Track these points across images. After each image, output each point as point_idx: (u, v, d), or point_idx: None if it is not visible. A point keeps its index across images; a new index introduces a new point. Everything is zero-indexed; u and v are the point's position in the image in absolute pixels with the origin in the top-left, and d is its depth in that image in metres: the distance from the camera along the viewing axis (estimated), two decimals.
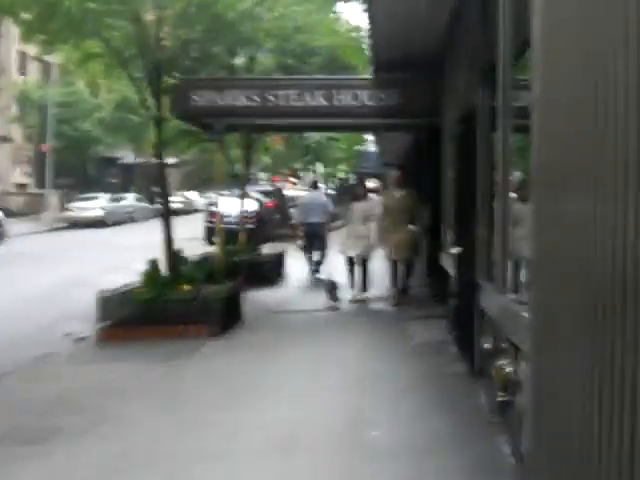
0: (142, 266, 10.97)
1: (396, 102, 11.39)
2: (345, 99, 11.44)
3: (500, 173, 5.66)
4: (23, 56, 44.31)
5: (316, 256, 16.26)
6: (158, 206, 46.56)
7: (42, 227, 36.40)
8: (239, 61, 14.68)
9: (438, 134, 11.27)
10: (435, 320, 10.50)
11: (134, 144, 45.46)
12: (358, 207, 13.14)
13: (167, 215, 11.26)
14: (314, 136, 25.32)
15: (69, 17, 9.09)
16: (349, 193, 14.44)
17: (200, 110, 11.65)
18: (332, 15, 16.78)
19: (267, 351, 9.18)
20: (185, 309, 10.21)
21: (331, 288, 12.49)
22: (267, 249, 17.55)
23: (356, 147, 39.33)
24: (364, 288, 12.92)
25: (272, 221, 28.06)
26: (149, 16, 10.29)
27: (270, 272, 15.53)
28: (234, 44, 13.20)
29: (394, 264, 12.66)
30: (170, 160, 53.49)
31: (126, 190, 47.57)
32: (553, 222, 3.29)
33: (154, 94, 10.68)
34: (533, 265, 3.93)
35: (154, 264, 10.73)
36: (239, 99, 11.52)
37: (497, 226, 5.90)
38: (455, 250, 8.09)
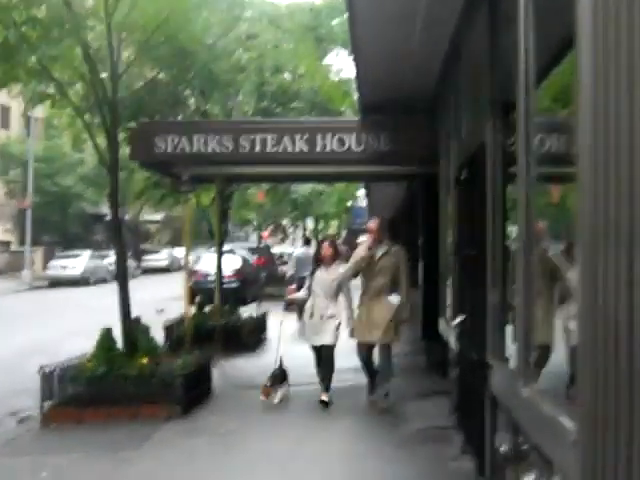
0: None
1: (386, 147, 10.06)
2: (329, 144, 10.11)
3: (523, 225, 4.26)
4: (5, 110, 43.28)
5: None
6: (145, 263, 46.10)
7: (20, 286, 35.13)
8: (214, 108, 13.42)
9: (434, 183, 9.91)
10: (434, 398, 9.03)
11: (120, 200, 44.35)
12: (324, 276, 9.48)
13: (123, 277, 9.83)
14: (301, 190, 23.99)
15: (4, 46, 7.79)
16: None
17: (165, 157, 10.29)
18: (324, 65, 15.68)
19: (232, 440, 7.67)
20: (141, 386, 8.80)
21: (275, 379, 9.44)
22: (250, 310, 16.09)
23: (347, 202, 38.23)
24: (328, 386, 9.35)
25: (258, 280, 26.60)
26: (100, 48, 9.03)
27: (250, 337, 14.05)
28: (207, 86, 11.93)
29: (365, 350, 9.15)
30: (157, 216, 52.77)
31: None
32: (616, 290, 2.36)
33: (108, 138, 9.34)
34: (583, 347, 2.76)
35: (107, 334, 9.26)
36: (209, 145, 10.17)
37: (519, 291, 4.48)
38: (458, 319, 6.64)
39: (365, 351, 9.15)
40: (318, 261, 9.70)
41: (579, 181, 2.78)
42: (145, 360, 9.14)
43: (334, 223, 47.06)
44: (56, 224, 43.98)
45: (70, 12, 8.06)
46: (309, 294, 9.59)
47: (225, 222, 14.92)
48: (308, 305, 9.51)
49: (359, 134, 10.12)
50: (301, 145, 10.11)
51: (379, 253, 9.09)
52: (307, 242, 19.24)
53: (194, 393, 9.17)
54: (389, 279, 9.09)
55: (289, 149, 10.12)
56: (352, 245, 17.71)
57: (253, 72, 12.69)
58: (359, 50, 7.95)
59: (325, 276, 9.46)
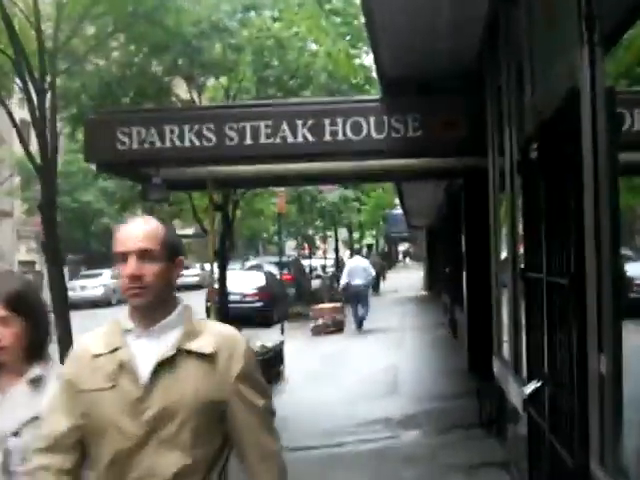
0: None
1: (415, 134, 7.62)
2: (342, 132, 7.68)
3: None
4: (25, 125, 41.54)
5: (361, 312, 18.94)
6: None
7: None
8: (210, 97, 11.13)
9: (482, 179, 7.43)
10: (491, 471, 6.54)
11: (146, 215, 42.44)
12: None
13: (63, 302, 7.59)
14: (329, 197, 21.54)
15: None
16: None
17: (130, 156, 7.95)
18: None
19: None
20: None
21: None
22: (267, 336, 13.76)
23: (384, 210, 35.74)
24: None
25: (286, 297, 24.06)
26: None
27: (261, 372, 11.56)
28: (195, 70, 9.66)
29: None
30: (188, 230, 50.61)
31: None
32: None
33: (37, 126, 7.11)
34: None
35: None
36: (186, 138, 7.81)
37: None
38: (531, 386, 4.15)
39: None
40: None
41: None
42: None
43: (371, 233, 44.58)
44: (79, 242, 42.05)
45: None
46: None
47: (229, 236, 12.53)
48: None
49: (379, 117, 7.69)
50: (304, 134, 7.70)
51: (147, 362, 2.26)
52: (357, 253, 21.53)
53: None
54: (197, 448, 2.24)
55: (289, 140, 7.72)
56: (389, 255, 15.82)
57: (251, 52, 10.36)
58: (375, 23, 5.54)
59: None
